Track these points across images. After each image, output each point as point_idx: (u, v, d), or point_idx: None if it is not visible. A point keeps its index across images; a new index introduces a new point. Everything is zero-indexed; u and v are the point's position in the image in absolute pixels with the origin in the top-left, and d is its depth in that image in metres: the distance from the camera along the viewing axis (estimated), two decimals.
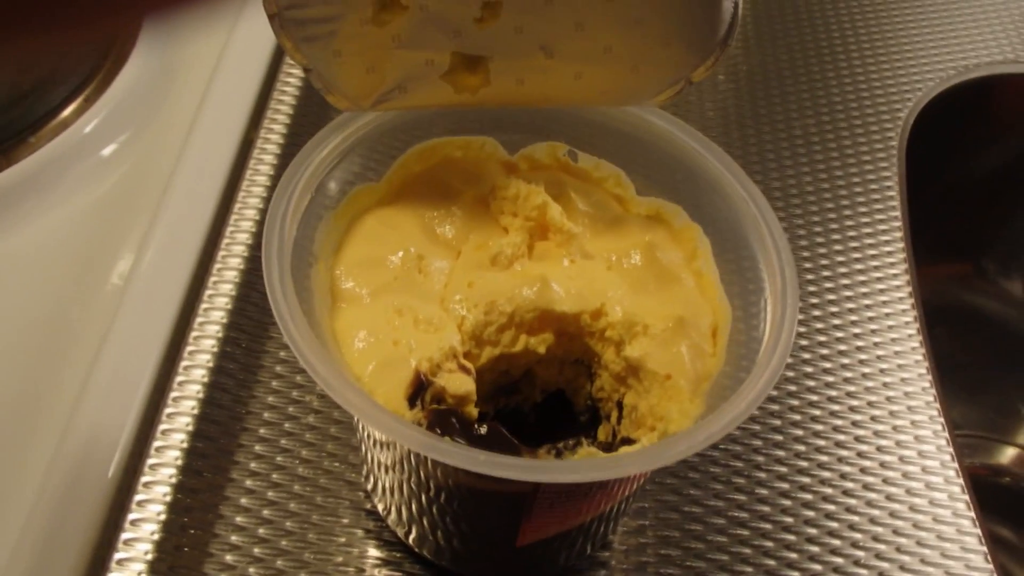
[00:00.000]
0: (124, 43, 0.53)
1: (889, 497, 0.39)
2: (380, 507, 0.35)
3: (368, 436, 0.32)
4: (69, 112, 0.49)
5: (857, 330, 0.45)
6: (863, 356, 0.43)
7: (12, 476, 0.37)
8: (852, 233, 0.49)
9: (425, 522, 0.32)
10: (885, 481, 0.39)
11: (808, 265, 0.47)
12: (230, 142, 0.49)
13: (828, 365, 0.43)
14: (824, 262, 0.47)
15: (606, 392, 0.32)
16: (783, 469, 0.39)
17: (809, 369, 0.43)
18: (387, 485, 0.32)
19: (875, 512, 0.38)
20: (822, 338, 0.44)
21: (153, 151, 0.49)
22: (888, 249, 0.48)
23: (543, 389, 0.33)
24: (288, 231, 0.28)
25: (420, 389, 0.28)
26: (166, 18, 0.14)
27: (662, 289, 0.31)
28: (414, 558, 0.35)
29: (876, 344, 0.44)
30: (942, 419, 0.41)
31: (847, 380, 0.43)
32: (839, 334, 0.44)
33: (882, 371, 0.43)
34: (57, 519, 0.34)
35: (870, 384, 0.42)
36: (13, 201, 0.46)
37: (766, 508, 0.38)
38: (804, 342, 0.44)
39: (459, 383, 0.29)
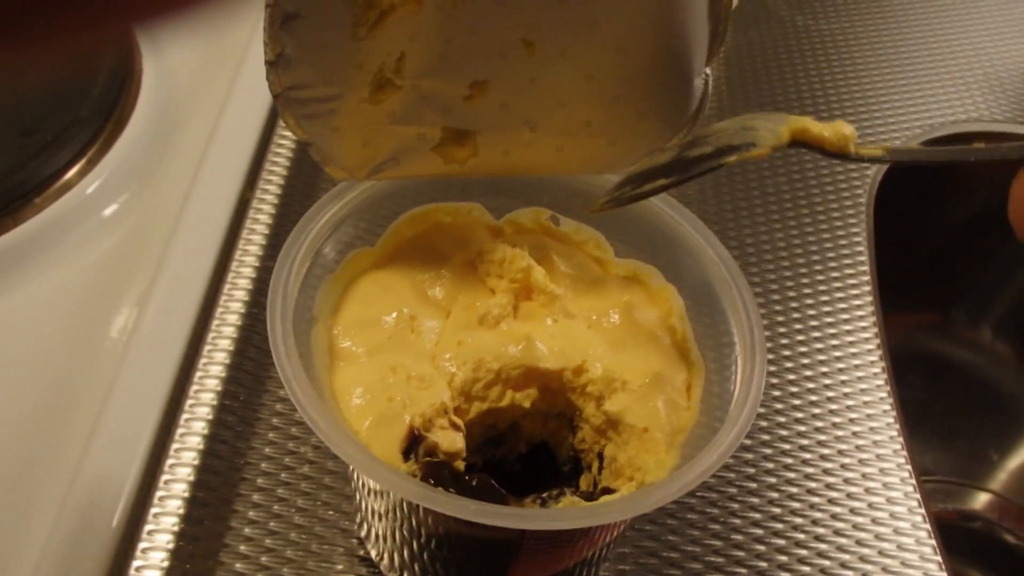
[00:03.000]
0: (125, 106, 0.55)
1: (859, 542, 0.40)
2: (373, 553, 0.36)
3: (363, 486, 0.33)
4: (72, 174, 0.51)
5: (828, 380, 0.47)
6: (833, 406, 0.45)
7: (19, 527, 0.38)
8: (823, 287, 0.52)
9: (416, 567, 0.34)
10: (855, 527, 0.41)
11: (780, 318, 0.49)
12: (226, 202, 0.51)
13: (800, 415, 0.45)
14: (796, 315, 0.50)
15: (587, 444, 0.34)
16: (757, 516, 0.41)
17: (781, 419, 0.45)
18: (380, 532, 0.34)
19: (846, 556, 0.40)
20: (794, 388, 0.46)
21: (152, 212, 0.51)
22: (857, 302, 0.51)
23: (528, 441, 0.35)
24: (290, 295, 0.30)
25: (414, 443, 0.30)
26: (154, 27, 0.13)
27: (639, 346, 0.33)
28: None
29: (846, 394, 0.46)
30: (909, 466, 0.43)
31: (818, 429, 0.45)
32: (810, 384, 0.46)
33: (852, 420, 0.45)
34: (64, 564, 0.35)
35: (840, 433, 0.44)
36: (19, 260, 0.48)
37: (741, 553, 0.40)
38: (776, 392, 0.46)
39: (450, 440, 0.30)
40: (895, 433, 0.45)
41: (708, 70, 0.33)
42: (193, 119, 0.56)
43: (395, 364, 0.31)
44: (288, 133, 0.54)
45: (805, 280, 0.52)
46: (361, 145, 0.32)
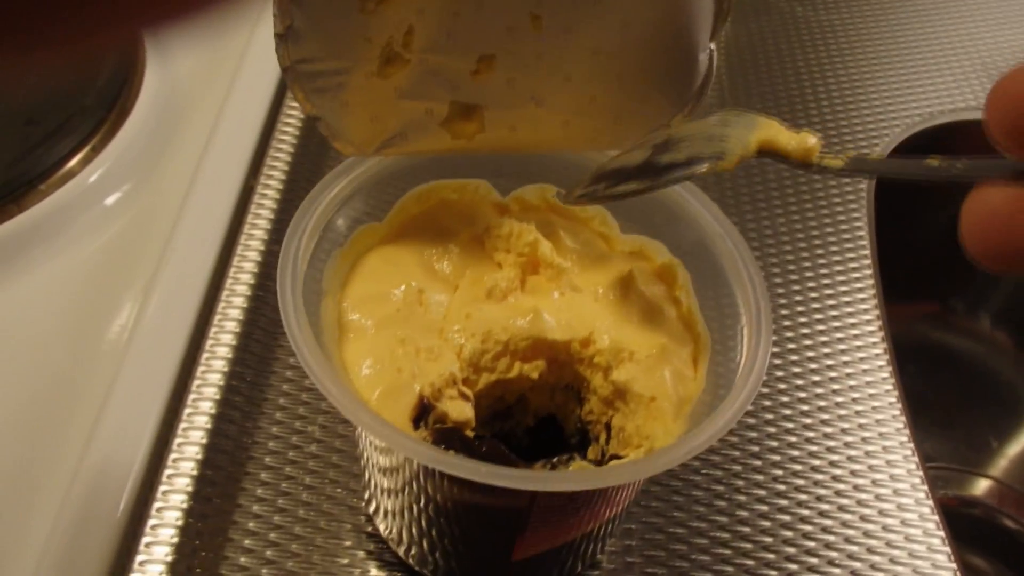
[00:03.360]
0: (129, 95, 0.55)
1: (867, 534, 0.40)
2: (382, 528, 0.37)
3: (372, 462, 0.34)
4: (75, 162, 0.51)
5: (830, 362, 0.47)
6: (839, 397, 0.45)
7: (26, 506, 0.38)
8: (824, 271, 0.52)
9: (425, 543, 0.34)
10: (862, 518, 0.41)
11: (783, 302, 0.50)
12: (230, 189, 0.51)
13: (803, 395, 0.45)
14: (798, 298, 0.50)
15: (595, 415, 0.34)
16: (762, 492, 0.41)
17: (785, 399, 0.45)
18: (388, 508, 0.34)
19: (853, 548, 0.40)
20: (797, 369, 0.46)
21: (155, 200, 0.51)
22: (859, 286, 0.51)
23: (535, 414, 0.35)
24: (300, 268, 0.30)
25: (423, 412, 0.30)
26: (160, 32, 0.13)
27: (645, 319, 0.33)
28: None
29: (848, 376, 0.46)
30: (916, 457, 0.43)
31: (821, 409, 0.45)
32: (813, 366, 0.47)
33: (855, 400, 0.45)
34: (73, 541, 0.35)
35: (845, 423, 0.44)
36: (24, 247, 0.48)
37: (746, 528, 0.40)
38: (779, 373, 0.46)
39: (459, 409, 0.31)
40: (901, 425, 0.45)
41: (712, 45, 0.33)
42: (196, 108, 0.56)
43: (404, 336, 0.32)
44: (292, 120, 0.55)
45: (807, 264, 0.52)
46: (369, 120, 0.33)
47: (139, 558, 0.36)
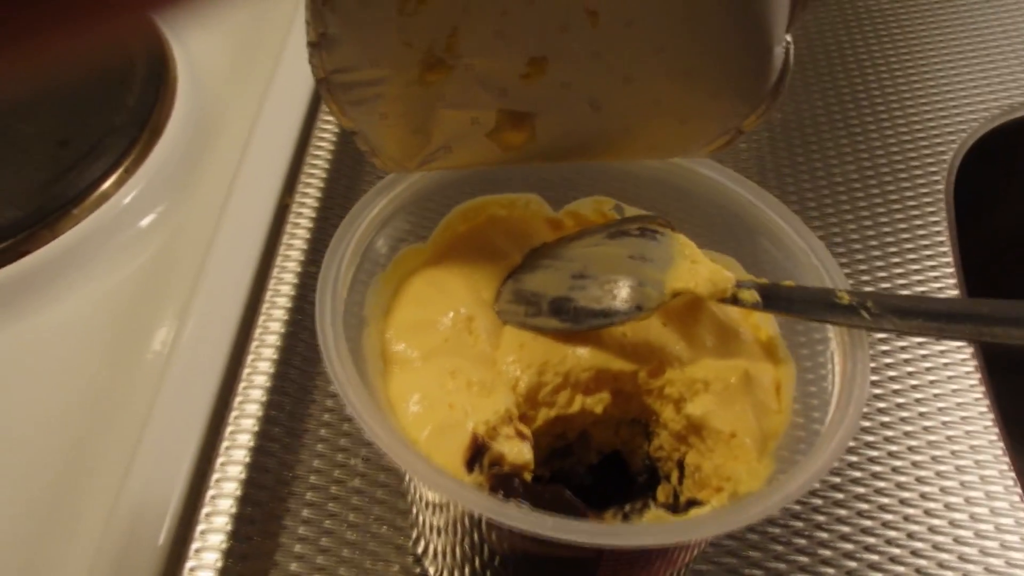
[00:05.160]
0: (161, 114, 0.53)
1: (962, 558, 0.37)
2: (431, 571, 0.34)
3: (421, 499, 0.31)
4: (109, 184, 0.49)
5: (914, 382, 0.43)
6: (923, 409, 0.42)
7: (63, 547, 0.36)
8: (902, 282, 0.48)
9: None
10: (956, 540, 0.37)
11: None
12: (265, 209, 0.49)
13: (886, 419, 0.42)
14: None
15: (665, 451, 0.31)
16: (846, 529, 0.38)
17: (866, 423, 0.41)
18: (439, 548, 0.31)
19: (948, 574, 0.36)
20: (878, 391, 0.43)
21: (190, 221, 0.49)
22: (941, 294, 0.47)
23: (599, 450, 0.32)
24: (340, 295, 0.27)
25: (478, 453, 0.27)
26: (173, 14, 0.13)
27: (721, 344, 0.30)
28: None
29: (936, 397, 0.42)
30: (1012, 473, 0.39)
31: (907, 434, 0.41)
32: (895, 387, 0.43)
33: (945, 424, 0.41)
34: None
35: (933, 438, 0.41)
36: (59, 272, 0.46)
37: (831, 570, 0.37)
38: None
39: (517, 450, 0.28)
40: (994, 437, 0.41)
41: (789, 37, 0.30)
42: (229, 125, 0.54)
43: (454, 368, 0.29)
44: (327, 135, 0.52)
45: (882, 274, 0.48)
46: (410, 133, 0.30)
47: (189, 562, 0.33)
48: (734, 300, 0.29)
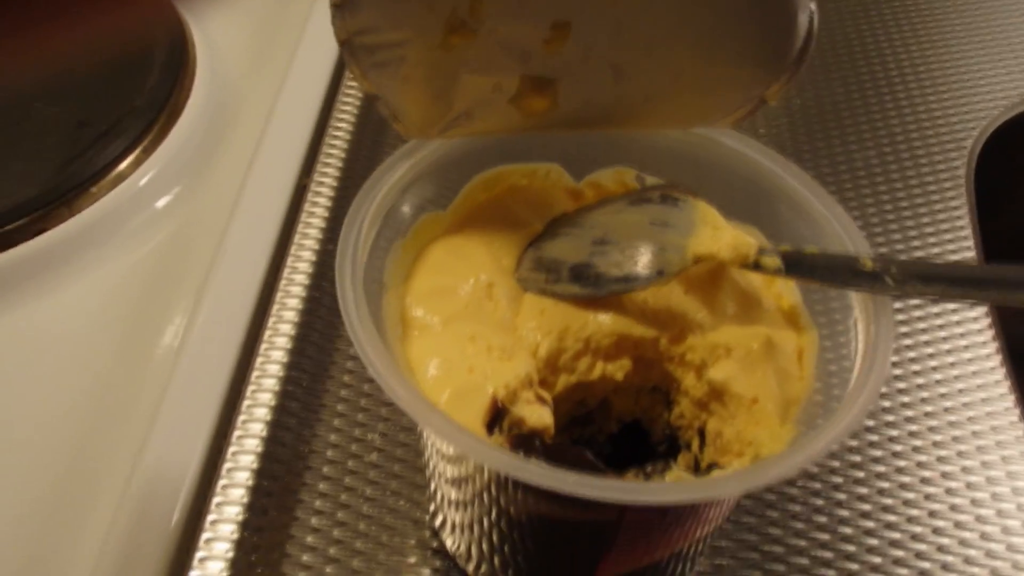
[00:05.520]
0: (180, 95, 0.54)
1: (989, 554, 0.36)
2: (448, 543, 0.34)
3: (438, 472, 0.31)
4: (126, 164, 0.49)
5: (934, 363, 0.43)
6: (943, 391, 0.41)
7: (79, 520, 0.36)
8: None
9: (496, 560, 0.31)
10: (978, 519, 0.37)
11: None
12: (283, 189, 0.49)
13: (907, 400, 0.41)
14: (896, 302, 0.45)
15: (686, 419, 0.30)
16: (866, 507, 0.38)
17: (887, 403, 0.41)
18: (457, 521, 0.31)
19: (971, 552, 0.36)
20: (898, 371, 0.42)
21: (207, 201, 0.49)
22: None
23: (619, 419, 0.32)
24: (360, 258, 0.27)
25: (497, 417, 0.27)
26: None
27: (742, 312, 0.30)
28: None
29: (956, 379, 0.42)
30: None
31: (928, 415, 0.41)
32: (916, 368, 0.42)
33: (965, 405, 0.41)
34: (125, 556, 0.33)
35: (954, 419, 0.40)
36: (75, 250, 0.46)
37: (851, 547, 0.36)
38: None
39: (537, 414, 0.28)
40: (1016, 419, 0.40)
41: (813, 5, 0.30)
42: (247, 108, 0.55)
43: (474, 333, 0.29)
44: (346, 117, 0.52)
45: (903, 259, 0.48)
46: (432, 98, 0.30)
47: (193, 574, 0.33)
48: (756, 266, 0.29)
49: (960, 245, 0.48)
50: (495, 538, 0.30)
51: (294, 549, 0.34)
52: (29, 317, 0.44)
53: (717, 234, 0.29)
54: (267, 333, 0.41)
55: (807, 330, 0.30)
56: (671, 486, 0.25)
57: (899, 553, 0.36)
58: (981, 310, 0.45)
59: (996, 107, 0.56)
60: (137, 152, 0.50)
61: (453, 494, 0.30)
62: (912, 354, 0.42)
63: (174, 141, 0.51)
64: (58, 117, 0.51)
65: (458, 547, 0.33)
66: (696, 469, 0.30)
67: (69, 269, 0.46)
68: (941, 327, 0.44)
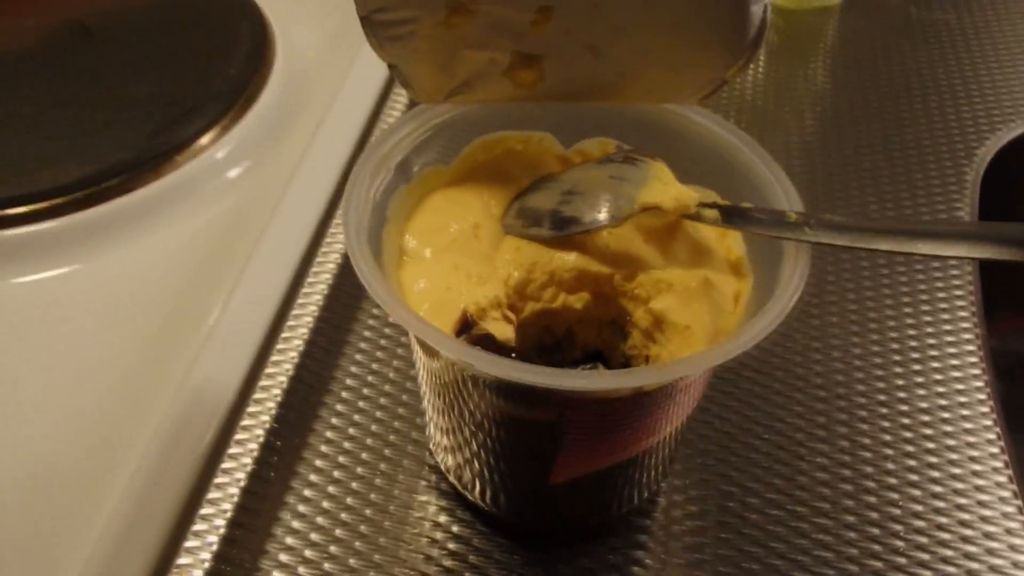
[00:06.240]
0: (259, 83, 0.61)
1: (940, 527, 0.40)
2: (438, 457, 0.39)
3: (426, 381, 0.36)
4: (206, 139, 0.57)
5: (918, 367, 0.45)
6: (922, 392, 0.44)
7: (135, 424, 0.43)
8: (919, 266, 0.50)
9: (468, 468, 0.36)
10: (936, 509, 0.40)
11: (871, 308, 0.48)
12: (335, 169, 0.55)
13: (883, 398, 0.44)
14: (888, 305, 0.48)
15: (637, 348, 0.35)
16: (825, 461, 0.41)
17: (862, 400, 0.44)
18: (439, 425, 0.36)
19: (921, 524, 0.39)
20: (881, 385, 0.44)
21: (270, 174, 0.56)
22: (958, 293, 0.49)
23: (583, 348, 0.37)
24: (365, 193, 0.33)
25: (466, 327, 0.32)
26: None
27: (691, 258, 0.35)
28: (467, 506, 0.39)
29: (937, 382, 0.45)
30: (1009, 471, 0.41)
31: (903, 413, 0.43)
32: (898, 370, 0.45)
33: (943, 406, 0.44)
34: (165, 458, 0.40)
35: (927, 418, 0.43)
36: (158, 207, 0.54)
37: (804, 493, 0.40)
38: (860, 375, 0.45)
39: (501, 330, 0.33)
40: (994, 436, 0.42)
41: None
42: (313, 99, 0.62)
43: (457, 263, 0.34)
44: (398, 106, 0.59)
45: (901, 269, 0.50)
46: (438, 69, 0.35)
47: (224, 465, 0.39)
48: (697, 217, 0.33)
49: (964, 278, 0.50)
50: (462, 440, 0.35)
51: (309, 454, 0.41)
52: (117, 260, 0.51)
53: (665, 188, 0.33)
54: (306, 284, 0.47)
55: (747, 276, 0.34)
56: (599, 375, 0.30)
57: (849, 501, 0.40)
58: (971, 321, 0.47)
59: (1015, 119, 0.59)
60: (216, 129, 0.57)
61: (433, 405, 0.36)
62: (896, 357, 0.46)
63: (248, 122, 0.58)
64: (152, 95, 0.59)
65: (444, 459, 0.38)
66: None
67: (152, 222, 0.53)
68: (931, 335, 0.47)
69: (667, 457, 0.37)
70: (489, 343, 0.32)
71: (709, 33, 0.34)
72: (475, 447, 0.35)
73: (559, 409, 0.31)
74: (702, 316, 0.33)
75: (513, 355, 0.33)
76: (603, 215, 0.34)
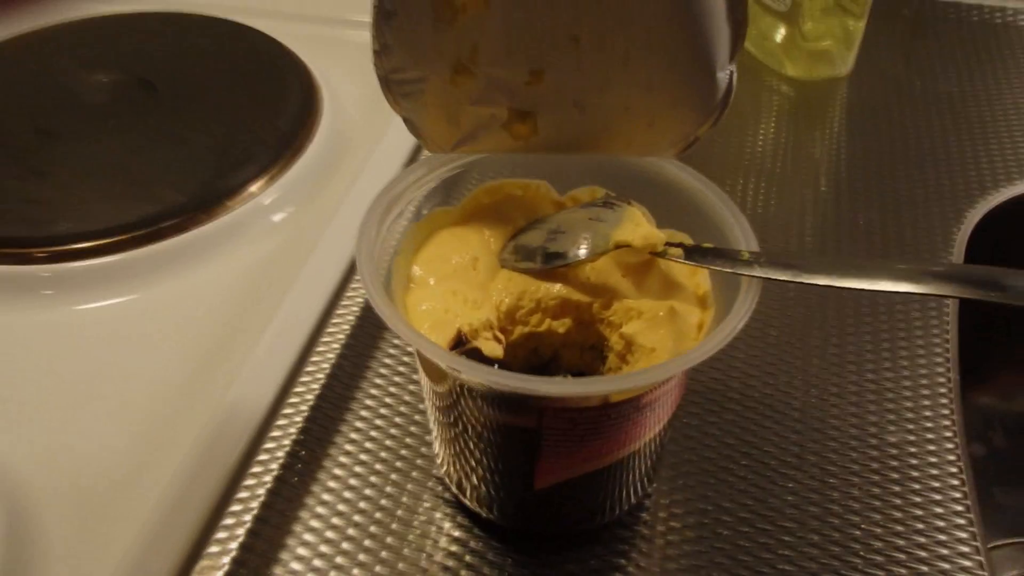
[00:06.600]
0: (306, 137, 0.68)
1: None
2: (441, 469, 0.44)
3: (428, 398, 0.41)
4: (256, 187, 0.63)
5: (891, 405, 0.49)
6: (893, 428, 0.47)
7: (179, 428, 0.48)
8: (900, 313, 0.54)
9: (466, 473, 0.41)
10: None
11: (851, 352, 0.52)
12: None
13: (855, 431, 0.47)
14: (868, 338, 0.52)
15: (612, 370, 0.39)
16: (794, 486, 0.45)
17: (835, 433, 0.48)
18: (440, 436, 0.41)
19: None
20: (854, 409, 0.48)
21: (311, 220, 0.62)
22: (936, 340, 0.52)
23: (568, 370, 0.41)
24: (379, 227, 0.38)
25: (459, 344, 0.37)
26: None
27: (663, 292, 0.39)
28: (467, 513, 0.44)
29: (908, 420, 0.48)
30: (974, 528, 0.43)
31: (873, 447, 0.47)
32: (872, 407, 0.48)
33: (911, 441, 0.47)
34: (206, 452, 0.45)
35: (895, 451, 0.47)
36: (210, 246, 0.60)
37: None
38: (835, 411, 0.48)
39: (491, 348, 0.38)
40: (956, 471, 0.45)
41: (732, 67, 0.39)
42: (354, 153, 0.68)
43: (455, 289, 0.39)
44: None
45: (883, 317, 0.54)
46: (445, 122, 0.41)
47: (253, 469, 0.44)
48: (664, 254, 0.38)
49: (941, 312, 0.54)
50: (461, 453, 0.39)
51: (334, 450, 0.46)
52: (170, 291, 0.57)
53: (636, 229, 0.38)
54: (336, 315, 0.53)
55: (710, 308, 0.39)
56: (572, 382, 0.34)
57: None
58: (945, 385, 0.50)
59: (1004, 184, 0.63)
60: (265, 178, 0.64)
61: (435, 418, 0.40)
62: (872, 406, 0.49)
63: (294, 172, 0.65)
64: (209, 146, 0.66)
65: (444, 466, 0.43)
66: None
67: (203, 259, 0.59)
68: (907, 387, 0.50)
69: (644, 471, 0.41)
70: (476, 355, 0.36)
71: (680, 94, 0.39)
72: (468, 454, 0.39)
73: (537, 416, 0.35)
74: (666, 340, 0.37)
75: (496, 367, 0.37)
76: (582, 250, 0.39)
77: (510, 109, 0.40)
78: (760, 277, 0.35)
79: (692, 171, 0.41)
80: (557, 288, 0.39)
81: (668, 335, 0.37)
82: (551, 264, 0.39)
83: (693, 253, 0.38)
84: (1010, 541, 0.66)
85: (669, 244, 0.38)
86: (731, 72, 0.39)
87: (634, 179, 0.43)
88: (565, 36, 0.38)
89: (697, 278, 0.40)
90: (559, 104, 0.40)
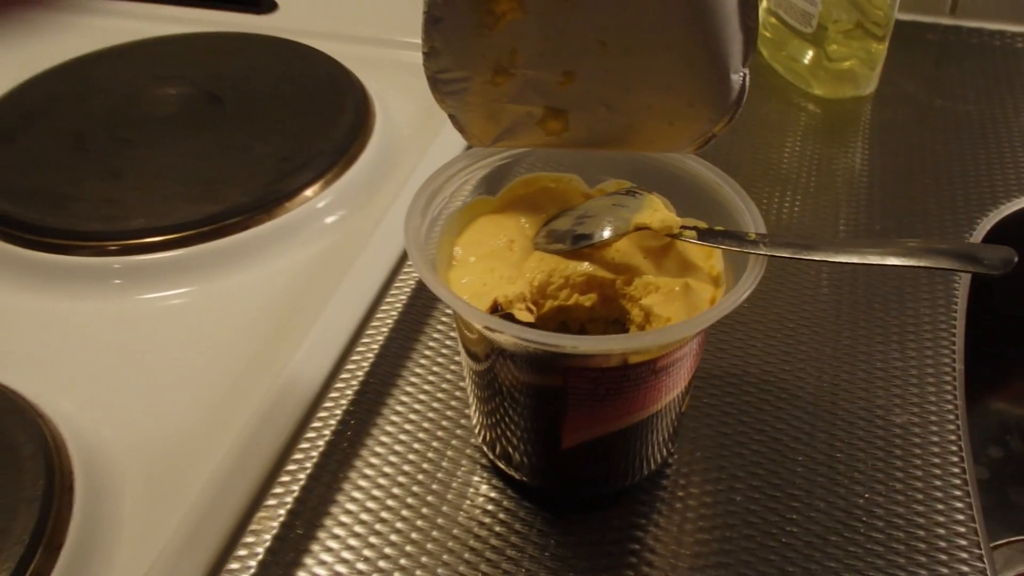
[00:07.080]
0: (360, 146, 0.73)
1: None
2: (477, 436, 0.48)
3: (466, 365, 0.45)
4: (311, 191, 0.69)
5: (898, 390, 0.52)
6: (898, 410, 0.51)
7: (236, 408, 0.53)
8: (910, 304, 0.57)
9: (499, 436, 0.45)
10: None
11: (863, 335, 0.55)
12: None
13: (863, 413, 0.50)
14: (879, 329, 0.56)
15: None
16: (803, 459, 0.48)
17: (844, 414, 0.51)
18: (476, 395, 0.45)
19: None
20: (863, 392, 0.52)
21: (362, 223, 0.68)
22: (942, 328, 0.56)
23: None
24: (425, 211, 0.43)
25: (495, 311, 0.41)
26: None
27: (679, 270, 0.43)
28: (501, 476, 0.48)
29: (913, 403, 0.51)
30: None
31: (879, 427, 0.50)
32: (879, 392, 0.52)
33: (915, 423, 0.51)
34: (263, 423, 0.50)
35: (900, 431, 0.50)
36: (269, 244, 0.65)
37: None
38: (845, 395, 0.52)
39: (524, 316, 0.42)
40: (956, 448, 0.48)
41: (745, 70, 0.43)
42: (404, 159, 0.73)
43: (493, 266, 0.43)
44: None
45: (894, 307, 0.58)
46: (486, 118, 0.46)
47: (308, 434, 0.49)
48: (679, 236, 0.42)
49: (950, 307, 0.58)
50: (494, 414, 0.44)
51: (381, 421, 0.51)
52: (231, 284, 0.63)
53: (654, 213, 0.42)
54: (384, 303, 0.57)
55: (722, 286, 0.43)
56: (598, 339, 0.38)
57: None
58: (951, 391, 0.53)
59: (1016, 194, 0.66)
60: (321, 183, 0.69)
61: (471, 381, 0.45)
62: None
63: (348, 179, 0.70)
64: (270, 153, 0.71)
65: (482, 434, 0.47)
66: None
67: (261, 256, 0.65)
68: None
69: (664, 437, 0.45)
70: (509, 318, 0.41)
71: (698, 95, 0.44)
72: (501, 415, 0.43)
73: (563, 376, 0.39)
74: (680, 312, 0.41)
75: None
76: (606, 232, 0.43)
77: (545, 107, 0.45)
78: (764, 255, 0.39)
79: (709, 165, 0.46)
80: (584, 266, 0.43)
81: (682, 308, 0.41)
82: (578, 245, 0.43)
83: (705, 234, 0.42)
84: (1019, 538, 0.68)
85: (684, 227, 0.42)
86: (744, 74, 0.43)
87: (657, 173, 0.47)
88: (594, 41, 0.43)
89: (711, 260, 0.44)
90: (589, 103, 0.45)
